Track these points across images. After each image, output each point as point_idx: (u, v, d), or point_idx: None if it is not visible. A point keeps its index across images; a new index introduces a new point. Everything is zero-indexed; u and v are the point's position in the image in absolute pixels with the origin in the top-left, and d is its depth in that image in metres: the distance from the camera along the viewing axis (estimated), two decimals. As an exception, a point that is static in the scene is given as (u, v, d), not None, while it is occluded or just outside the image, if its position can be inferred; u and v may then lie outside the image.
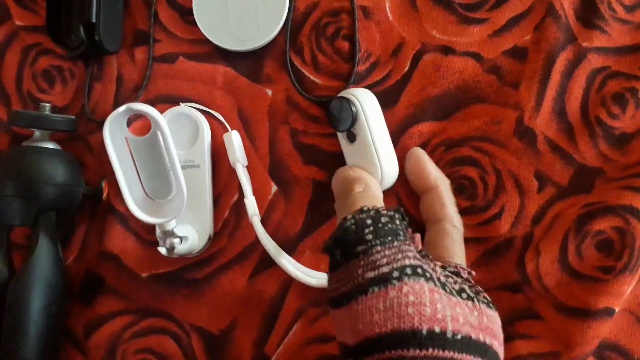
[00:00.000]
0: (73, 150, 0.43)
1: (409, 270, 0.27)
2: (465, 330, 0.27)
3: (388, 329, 0.26)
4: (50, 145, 0.41)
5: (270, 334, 0.40)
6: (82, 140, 0.43)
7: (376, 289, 0.27)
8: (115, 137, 0.36)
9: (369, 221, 0.29)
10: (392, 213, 0.30)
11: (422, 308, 0.26)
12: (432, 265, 0.30)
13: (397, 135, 0.39)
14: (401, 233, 0.29)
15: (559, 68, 0.37)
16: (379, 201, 0.34)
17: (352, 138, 0.37)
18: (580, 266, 0.35)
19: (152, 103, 0.42)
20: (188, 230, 0.40)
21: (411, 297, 0.26)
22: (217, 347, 0.40)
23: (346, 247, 0.29)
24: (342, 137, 0.38)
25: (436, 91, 0.39)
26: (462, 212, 0.37)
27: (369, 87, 0.39)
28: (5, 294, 0.38)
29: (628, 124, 0.37)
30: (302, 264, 0.39)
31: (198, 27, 0.41)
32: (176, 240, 0.38)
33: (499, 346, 0.29)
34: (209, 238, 0.41)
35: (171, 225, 0.39)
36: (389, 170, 0.37)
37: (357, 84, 0.40)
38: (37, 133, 0.41)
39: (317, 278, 0.38)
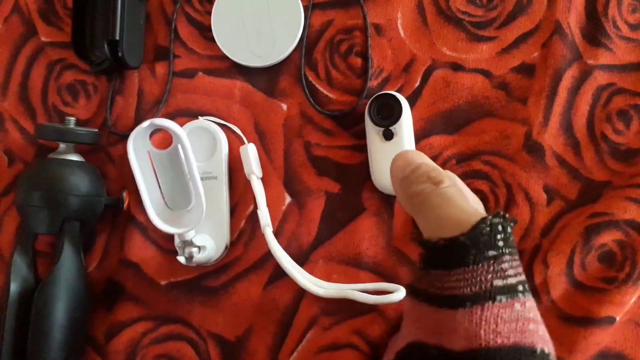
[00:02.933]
0: (95, 161, 0.44)
1: (527, 286, 0.27)
2: (550, 348, 0.27)
3: (510, 342, 0.25)
4: (74, 157, 0.43)
5: (284, 341, 0.41)
6: (104, 151, 0.45)
7: (504, 299, 0.26)
8: (138, 151, 0.38)
9: (499, 227, 0.27)
10: (514, 224, 0.28)
11: (538, 326, 0.26)
12: None
13: (409, 148, 0.40)
14: (515, 245, 0.28)
15: (566, 84, 0.38)
16: (466, 196, 0.30)
17: (389, 136, 0.38)
18: (584, 278, 0.37)
19: (172, 116, 0.44)
20: (206, 239, 0.41)
21: (531, 314, 0.26)
22: (233, 354, 0.42)
23: (477, 248, 0.26)
24: (375, 134, 0.39)
25: (446, 106, 0.40)
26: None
27: (381, 102, 0.41)
28: (31, 299, 0.40)
29: (633, 139, 0.38)
30: (316, 273, 0.40)
31: (216, 44, 0.43)
32: (194, 250, 0.40)
33: None
34: (226, 247, 0.42)
35: (190, 235, 0.40)
36: None
37: (369, 99, 0.41)
38: (62, 145, 0.43)
39: (325, 288, 0.39)
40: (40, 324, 0.39)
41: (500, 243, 0.27)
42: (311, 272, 0.40)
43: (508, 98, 0.39)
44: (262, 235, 0.41)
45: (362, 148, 0.41)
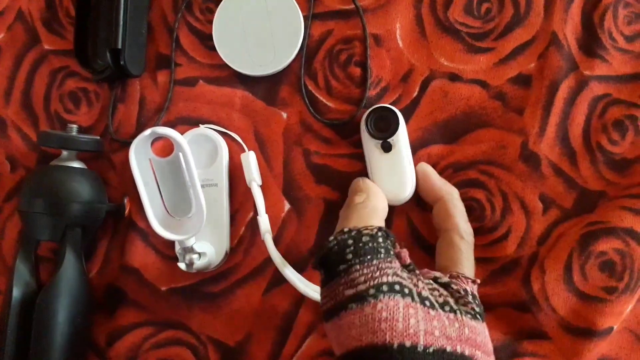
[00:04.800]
0: (97, 167, 0.45)
1: (385, 288, 0.29)
2: (439, 343, 0.28)
3: (363, 343, 0.28)
4: (76, 164, 0.43)
5: (284, 346, 0.42)
6: (105, 158, 0.45)
7: (354, 306, 0.29)
8: (140, 159, 0.38)
9: (350, 241, 0.31)
10: (374, 232, 0.32)
11: (395, 324, 0.28)
12: (414, 280, 0.31)
13: (407, 157, 0.40)
14: (382, 251, 0.31)
15: (562, 95, 0.39)
16: (375, 213, 0.35)
17: (387, 148, 0.39)
18: (585, 287, 0.37)
19: (173, 124, 0.44)
20: (206, 246, 0.42)
21: (384, 314, 0.28)
22: (232, 359, 0.42)
23: (329, 266, 0.31)
24: (373, 146, 0.39)
25: (444, 116, 0.41)
26: (470, 232, 0.39)
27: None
28: (33, 305, 0.40)
29: (628, 149, 0.38)
30: (314, 280, 0.41)
31: (217, 53, 0.43)
32: (195, 256, 0.40)
33: (484, 355, 0.30)
34: (226, 254, 0.43)
35: (190, 241, 0.41)
36: (414, 182, 0.39)
37: (368, 108, 0.41)
38: (64, 153, 0.43)
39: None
40: (42, 329, 0.40)
41: (349, 256, 0.30)
42: (310, 280, 0.40)
43: (505, 108, 0.40)
44: (262, 242, 0.41)
45: (360, 157, 0.41)
